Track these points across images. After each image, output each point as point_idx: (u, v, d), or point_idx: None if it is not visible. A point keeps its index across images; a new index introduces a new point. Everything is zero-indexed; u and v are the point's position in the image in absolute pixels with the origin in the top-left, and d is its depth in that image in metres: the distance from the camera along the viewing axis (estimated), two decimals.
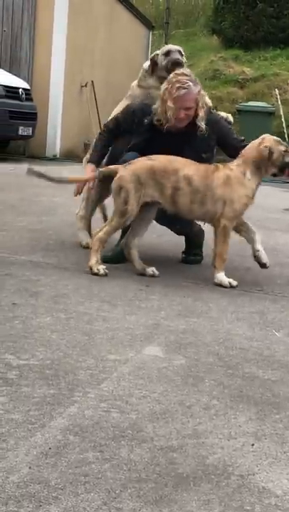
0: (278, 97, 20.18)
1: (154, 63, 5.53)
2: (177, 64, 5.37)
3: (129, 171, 4.66)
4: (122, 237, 5.15)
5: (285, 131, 19.13)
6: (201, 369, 3.08)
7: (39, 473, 2.07)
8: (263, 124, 16.20)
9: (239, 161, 4.76)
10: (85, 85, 17.77)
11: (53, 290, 4.20)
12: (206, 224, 4.97)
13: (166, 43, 27.18)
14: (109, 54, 18.86)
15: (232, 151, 5.04)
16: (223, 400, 2.75)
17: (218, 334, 3.62)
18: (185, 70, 5.10)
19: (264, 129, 16.08)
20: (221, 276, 4.69)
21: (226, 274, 4.71)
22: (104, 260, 4.94)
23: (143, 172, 4.65)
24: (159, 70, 5.50)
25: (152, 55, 5.67)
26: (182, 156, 4.86)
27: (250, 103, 17.84)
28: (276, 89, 20.61)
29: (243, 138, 5.20)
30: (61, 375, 2.85)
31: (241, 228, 4.85)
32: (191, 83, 4.85)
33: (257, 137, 4.95)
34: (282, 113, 19.41)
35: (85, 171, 5.22)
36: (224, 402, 2.73)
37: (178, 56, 5.48)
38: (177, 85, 4.82)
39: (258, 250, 4.84)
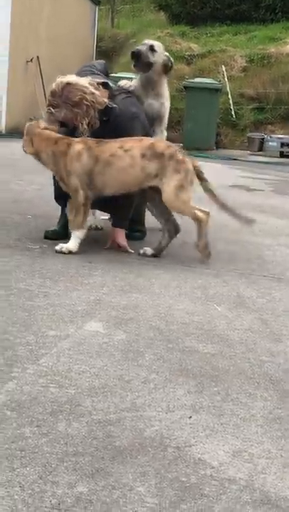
0: (225, 73, 20.24)
1: None
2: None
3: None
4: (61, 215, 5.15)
5: (231, 107, 19.23)
6: (141, 344, 3.09)
7: None
8: (209, 100, 16.23)
9: None
10: (31, 60, 17.59)
11: None
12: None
13: (113, 19, 26.97)
14: (55, 29, 18.67)
15: None
16: (162, 374, 2.77)
17: (159, 309, 3.64)
18: (60, 82, 4.83)
19: (211, 106, 16.33)
20: None
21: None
22: (46, 236, 4.94)
23: None
24: None
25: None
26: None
27: (197, 79, 17.82)
28: (223, 66, 20.66)
29: None
30: (0, 352, 2.83)
31: None
32: (52, 110, 4.81)
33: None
34: (228, 89, 19.48)
35: None
36: (163, 376, 2.75)
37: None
38: (46, 109, 4.91)
39: None
